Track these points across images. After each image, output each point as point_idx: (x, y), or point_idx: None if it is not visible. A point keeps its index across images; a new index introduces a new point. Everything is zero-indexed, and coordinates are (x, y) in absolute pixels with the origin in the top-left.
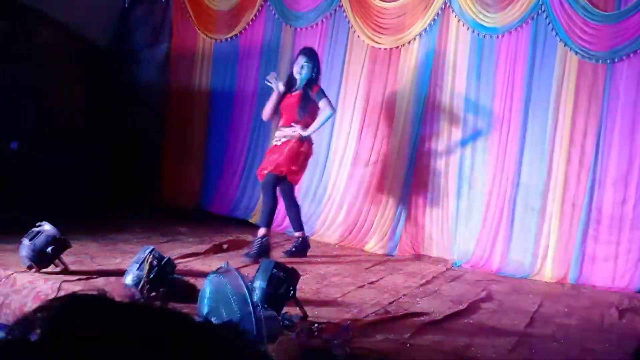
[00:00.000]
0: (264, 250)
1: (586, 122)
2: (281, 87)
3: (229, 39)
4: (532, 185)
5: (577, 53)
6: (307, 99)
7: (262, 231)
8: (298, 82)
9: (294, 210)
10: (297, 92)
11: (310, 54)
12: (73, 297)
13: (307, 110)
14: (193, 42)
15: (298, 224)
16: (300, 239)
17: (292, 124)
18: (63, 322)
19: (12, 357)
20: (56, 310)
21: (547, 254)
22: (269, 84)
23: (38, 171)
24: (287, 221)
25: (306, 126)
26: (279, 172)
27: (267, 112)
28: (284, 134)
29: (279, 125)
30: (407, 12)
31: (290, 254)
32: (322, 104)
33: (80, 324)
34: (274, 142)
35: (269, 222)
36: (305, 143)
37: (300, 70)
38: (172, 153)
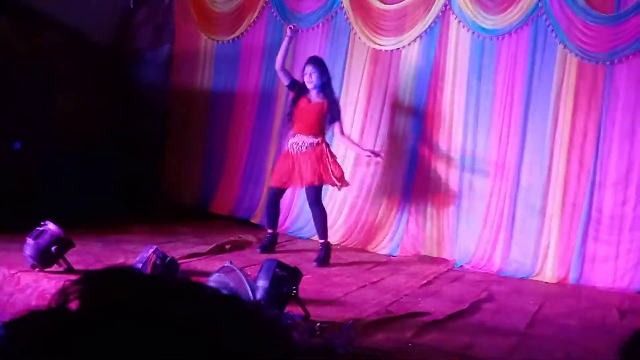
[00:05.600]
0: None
1: (586, 123)
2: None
3: (230, 41)
4: (532, 186)
5: (576, 55)
6: (329, 113)
7: (321, 240)
8: (311, 91)
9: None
10: (319, 102)
11: (316, 61)
12: (110, 270)
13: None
14: (195, 44)
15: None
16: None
17: (312, 134)
18: (102, 293)
19: (52, 325)
20: (95, 282)
21: (548, 255)
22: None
23: (41, 171)
24: (287, 222)
25: (321, 133)
26: (320, 182)
27: (278, 59)
28: (306, 141)
29: (296, 132)
30: (407, 14)
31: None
32: (336, 129)
33: (119, 296)
34: (294, 150)
35: (326, 232)
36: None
37: (310, 78)
38: (174, 153)
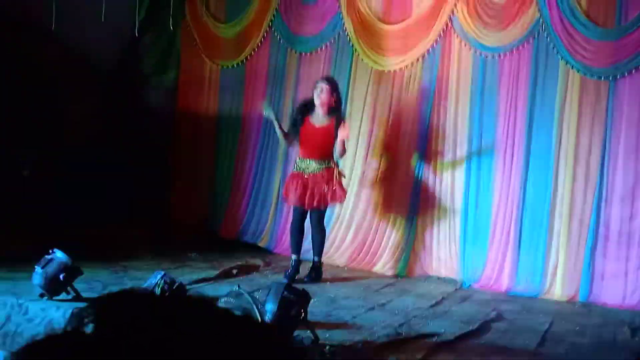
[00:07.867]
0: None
1: (590, 138)
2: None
3: (235, 65)
4: (538, 204)
5: (578, 70)
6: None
7: (316, 258)
8: (317, 107)
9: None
10: (325, 125)
11: (329, 79)
12: (123, 292)
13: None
14: (200, 68)
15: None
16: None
17: (321, 158)
18: (115, 315)
19: (69, 347)
20: (108, 304)
21: (557, 273)
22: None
23: (49, 194)
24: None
25: (330, 155)
26: (326, 206)
27: (280, 139)
28: (316, 167)
29: (304, 155)
30: (409, 34)
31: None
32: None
33: (131, 317)
34: (305, 173)
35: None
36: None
37: (320, 93)
38: (181, 178)
